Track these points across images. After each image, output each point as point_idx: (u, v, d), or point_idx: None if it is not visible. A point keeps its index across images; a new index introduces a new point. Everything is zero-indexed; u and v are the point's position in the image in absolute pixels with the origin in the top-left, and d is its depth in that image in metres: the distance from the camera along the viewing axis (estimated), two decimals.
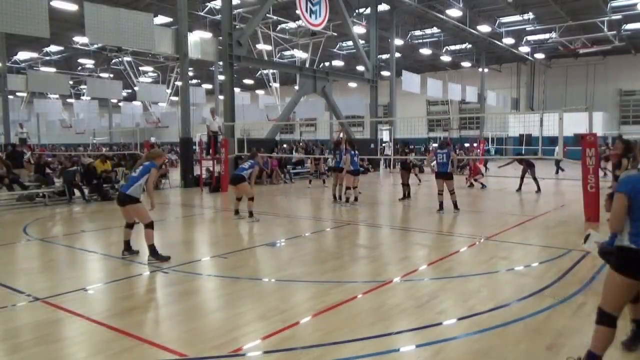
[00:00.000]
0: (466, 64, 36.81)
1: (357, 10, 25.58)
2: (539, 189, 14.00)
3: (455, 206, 10.44)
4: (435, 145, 27.13)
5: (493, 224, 9.23)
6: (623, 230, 3.11)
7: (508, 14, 27.21)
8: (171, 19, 24.95)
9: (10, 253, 7.26)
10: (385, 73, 28.98)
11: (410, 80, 26.06)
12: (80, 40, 28.51)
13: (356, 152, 12.11)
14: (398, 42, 28.46)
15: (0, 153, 17.82)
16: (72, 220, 10.92)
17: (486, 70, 37.52)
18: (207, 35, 22.52)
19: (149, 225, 6.52)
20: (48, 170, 14.73)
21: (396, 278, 5.60)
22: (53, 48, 33.64)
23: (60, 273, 6.21)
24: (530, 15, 27.11)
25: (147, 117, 35.37)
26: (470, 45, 34.58)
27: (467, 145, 31.12)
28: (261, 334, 4.00)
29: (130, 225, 6.77)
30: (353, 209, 11.50)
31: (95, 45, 29.27)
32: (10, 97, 27.30)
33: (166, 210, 11.64)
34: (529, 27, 27.93)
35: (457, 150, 22.33)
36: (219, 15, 22.49)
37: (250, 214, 9.71)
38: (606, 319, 3.13)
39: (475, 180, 16.17)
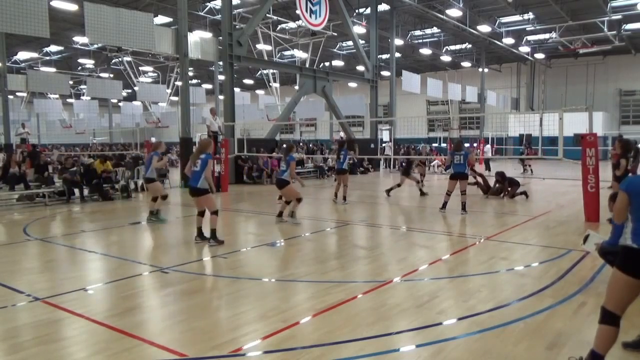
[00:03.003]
0: (466, 64, 36.81)
1: (357, 10, 25.59)
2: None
3: (464, 207, 10.26)
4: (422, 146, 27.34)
5: (493, 224, 9.24)
6: (627, 220, 3.21)
7: (508, 14, 27.22)
8: (171, 19, 24.96)
9: (10, 253, 7.25)
10: (385, 73, 28.99)
11: (410, 80, 26.06)
12: (80, 40, 28.54)
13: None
14: (398, 42, 28.46)
15: (8, 153, 17.84)
16: (72, 220, 10.92)
17: (486, 70, 37.52)
18: (207, 35, 22.51)
19: (215, 212, 7.48)
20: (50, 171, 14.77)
21: (396, 278, 5.60)
22: (53, 48, 33.67)
23: (60, 273, 6.20)
24: (530, 15, 27.12)
25: (147, 117, 35.35)
26: (470, 45, 34.59)
27: (467, 145, 31.17)
28: (261, 334, 4.00)
29: (201, 213, 7.59)
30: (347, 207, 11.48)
31: (95, 45, 29.28)
32: (10, 97, 27.27)
33: (167, 210, 11.62)
34: (529, 27, 27.95)
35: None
36: (219, 15, 22.52)
37: (292, 214, 9.43)
38: (609, 318, 3.15)
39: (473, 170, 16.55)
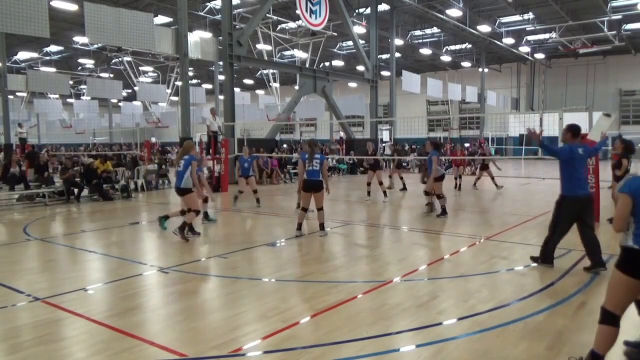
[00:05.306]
0: (466, 64, 36.80)
1: (357, 10, 25.59)
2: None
3: (444, 211, 9.95)
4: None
5: (493, 224, 9.23)
6: (627, 229, 3.16)
7: (508, 14, 27.22)
8: (171, 19, 24.97)
9: (10, 253, 7.25)
10: (385, 73, 28.97)
11: (410, 80, 26.04)
12: (80, 40, 28.53)
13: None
14: (398, 42, 28.46)
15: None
16: (72, 220, 10.92)
17: (486, 70, 37.51)
18: (207, 35, 22.51)
19: (196, 212, 7.86)
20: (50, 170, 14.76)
21: (396, 278, 5.60)
22: (53, 48, 33.66)
23: (60, 273, 6.20)
24: (530, 15, 27.11)
25: (147, 117, 35.35)
26: (470, 45, 34.58)
27: (467, 145, 31.18)
28: (261, 334, 4.00)
29: (183, 212, 7.96)
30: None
31: (95, 45, 29.28)
32: (10, 97, 27.27)
33: (166, 210, 11.62)
34: (529, 27, 27.93)
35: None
36: (219, 15, 22.50)
37: (322, 227, 8.12)
38: (609, 318, 3.15)
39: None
